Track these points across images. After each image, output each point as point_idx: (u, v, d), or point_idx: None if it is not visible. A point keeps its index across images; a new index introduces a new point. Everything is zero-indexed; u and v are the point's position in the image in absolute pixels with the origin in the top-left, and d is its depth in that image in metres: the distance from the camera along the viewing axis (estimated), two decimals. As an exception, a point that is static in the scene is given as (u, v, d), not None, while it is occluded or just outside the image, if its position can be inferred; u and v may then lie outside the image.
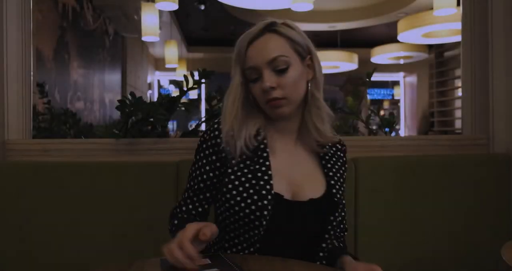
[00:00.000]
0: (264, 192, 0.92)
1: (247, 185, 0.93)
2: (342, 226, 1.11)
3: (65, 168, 1.36)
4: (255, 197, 0.91)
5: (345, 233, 1.13)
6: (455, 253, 1.45)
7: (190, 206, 1.03)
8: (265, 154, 0.97)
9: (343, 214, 1.11)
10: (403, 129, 9.60)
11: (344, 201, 1.12)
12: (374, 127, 1.94)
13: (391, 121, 1.64)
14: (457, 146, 1.60)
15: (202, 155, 1.01)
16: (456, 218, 1.46)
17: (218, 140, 0.98)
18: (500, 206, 1.49)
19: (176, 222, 1.01)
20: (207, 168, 1.00)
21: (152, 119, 1.47)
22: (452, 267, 1.44)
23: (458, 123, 6.37)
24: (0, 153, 1.47)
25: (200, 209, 1.03)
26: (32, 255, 1.32)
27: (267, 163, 0.96)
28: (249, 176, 0.94)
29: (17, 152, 1.46)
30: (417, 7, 5.46)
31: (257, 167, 0.95)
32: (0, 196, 1.33)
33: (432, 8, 3.63)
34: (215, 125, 1.01)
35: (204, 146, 1.01)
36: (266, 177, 0.94)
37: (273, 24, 0.98)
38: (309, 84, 1.01)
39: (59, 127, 2.83)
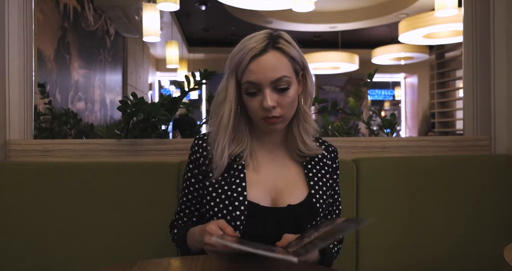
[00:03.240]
0: (237, 203, 0.97)
1: (223, 196, 0.99)
2: None
3: (66, 168, 1.36)
4: (230, 208, 0.97)
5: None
6: (457, 254, 1.45)
7: (185, 219, 1.11)
8: (240, 167, 1.01)
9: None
10: (404, 130, 9.60)
11: (340, 206, 1.12)
12: (375, 128, 1.93)
13: (392, 122, 1.64)
14: (459, 147, 1.60)
15: (187, 169, 1.08)
16: (458, 219, 1.46)
17: (198, 155, 1.05)
18: (501, 207, 1.49)
19: (176, 231, 1.08)
20: (193, 180, 1.07)
21: (153, 120, 1.47)
22: (453, 269, 1.44)
23: (459, 125, 6.36)
24: (1, 153, 1.47)
25: (194, 219, 1.10)
26: (33, 255, 1.32)
27: (242, 175, 1.00)
28: (225, 187, 0.99)
29: (18, 152, 1.46)
30: (418, 8, 5.46)
31: (233, 179, 1.00)
32: (1, 196, 1.33)
33: (433, 9, 3.63)
34: (199, 141, 1.06)
35: (189, 160, 1.08)
36: (239, 189, 0.98)
37: (276, 40, 0.97)
38: (300, 99, 1.03)
39: (60, 128, 2.83)
